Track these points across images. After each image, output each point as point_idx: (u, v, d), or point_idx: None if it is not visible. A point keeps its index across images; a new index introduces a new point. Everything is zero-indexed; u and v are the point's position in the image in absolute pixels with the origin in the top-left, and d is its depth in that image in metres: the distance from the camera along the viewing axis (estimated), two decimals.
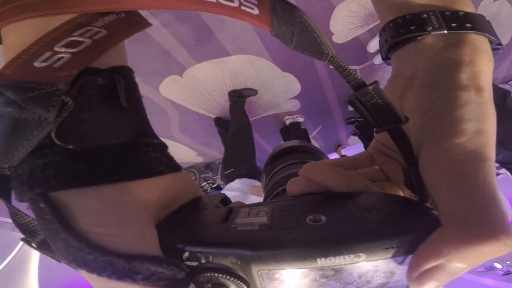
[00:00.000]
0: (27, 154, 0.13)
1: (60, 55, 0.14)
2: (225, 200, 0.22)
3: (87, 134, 0.14)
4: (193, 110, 1.75)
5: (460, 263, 0.14)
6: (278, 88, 1.75)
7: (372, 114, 0.18)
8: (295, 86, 1.73)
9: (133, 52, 1.29)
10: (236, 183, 1.29)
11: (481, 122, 0.16)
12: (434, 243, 0.14)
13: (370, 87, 0.16)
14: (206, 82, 1.59)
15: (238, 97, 1.67)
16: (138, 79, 0.18)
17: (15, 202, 0.14)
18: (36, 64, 0.14)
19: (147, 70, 1.41)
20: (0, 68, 0.14)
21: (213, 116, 1.84)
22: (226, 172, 1.42)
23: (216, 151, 2.27)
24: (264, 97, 1.76)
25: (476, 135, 0.16)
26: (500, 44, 0.20)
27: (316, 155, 0.37)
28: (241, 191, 1.24)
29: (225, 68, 1.53)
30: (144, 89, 1.50)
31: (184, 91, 1.60)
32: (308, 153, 0.36)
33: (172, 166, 0.18)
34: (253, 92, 1.70)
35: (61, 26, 0.15)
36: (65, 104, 0.14)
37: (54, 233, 0.13)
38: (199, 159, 2.44)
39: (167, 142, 0.18)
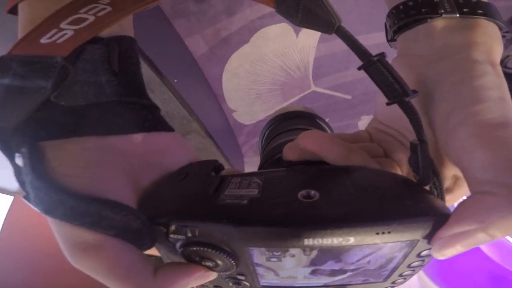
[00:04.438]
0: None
1: (64, 32, 0.16)
2: (218, 167, 0.21)
3: (80, 94, 0.17)
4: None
5: (500, 231, 0.14)
6: None
7: (382, 86, 0.18)
8: None
9: None
10: None
11: (501, 91, 0.17)
12: (478, 207, 0.14)
13: (375, 58, 0.17)
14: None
15: None
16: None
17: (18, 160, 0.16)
18: (42, 40, 0.16)
19: None
20: (12, 46, 0.16)
21: None
22: None
23: None
24: None
25: (500, 101, 0.16)
26: (508, 31, 0.21)
27: (320, 124, 0.35)
28: None
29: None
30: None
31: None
32: (312, 121, 0.35)
33: (160, 125, 0.20)
34: None
35: (70, 3, 0.17)
36: (67, 69, 0.16)
37: (27, 177, 0.15)
38: None
39: None
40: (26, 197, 0.16)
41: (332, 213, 0.15)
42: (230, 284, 0.20)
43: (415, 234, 0.14)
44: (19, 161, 0.16)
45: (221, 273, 0.18)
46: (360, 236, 0.14)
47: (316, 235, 0.14)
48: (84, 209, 0.15)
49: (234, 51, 0.87)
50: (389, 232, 0.14)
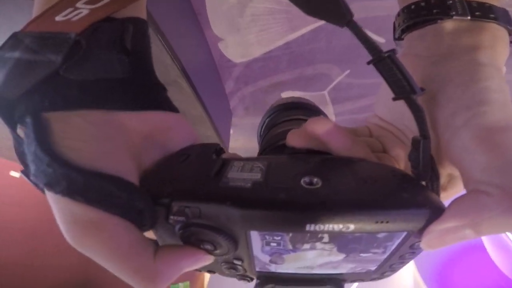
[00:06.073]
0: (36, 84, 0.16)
1: (79, 10, 0.17)
2: (219, 150, 0.21)
3: (90, 69, 0.17)
4: None
5: (488, 230, 0.14)
6: None
7: (390, 82, 0.17)
8: None
9: None
10: None
11: (505, 95, 0.17)
12: (470, 205, 0.15)
13: (386, 55, 0.16)
14: None
15: None
16: None
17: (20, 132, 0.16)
18: (57, 18, 0.16)
19: None
20: (26, 23, 0.16)
21: None
22: None
23: None
24: None
25: (504, 105, 0.17)
26: None
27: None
28: None
29: None
30: None
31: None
32: (314, 112, 0.34)
33: (166, 105, 0.20)
34: None
35: None
36: (79, 44, 0.16)
37: (30, 147, 0.15)
38: None
39: None
40: (24, 172, 0.16)
41: (334, 200, 0.15)
42: (225, 268, 0.20)
43: (412, 224, 0.15)
44: (21, 132, 0.16)
45: (218, 257, 0.18)
46: (360, 224, 0.14)
47: (318, 221, 0.14)
48: (88, 184, 0.14)
49: None
50: (387, 222, 0.14)
